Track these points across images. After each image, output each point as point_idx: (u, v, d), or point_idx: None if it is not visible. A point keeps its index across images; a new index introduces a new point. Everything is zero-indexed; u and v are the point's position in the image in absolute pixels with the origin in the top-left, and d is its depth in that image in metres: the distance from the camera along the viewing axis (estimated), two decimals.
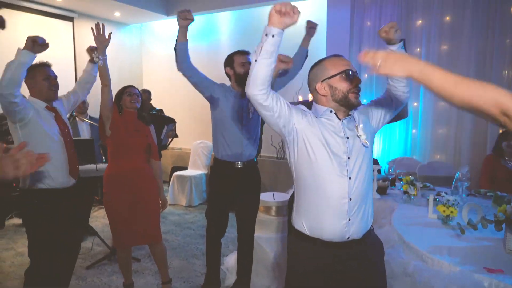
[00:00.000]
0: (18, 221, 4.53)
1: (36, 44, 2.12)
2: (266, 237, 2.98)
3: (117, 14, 5.98)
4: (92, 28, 2.46)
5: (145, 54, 6.91)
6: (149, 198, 2.63)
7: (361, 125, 1.51)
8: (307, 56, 2.75)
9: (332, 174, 1.43)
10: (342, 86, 1.45)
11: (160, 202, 2.74)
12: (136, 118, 2.67)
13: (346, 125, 1.49)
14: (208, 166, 5.66)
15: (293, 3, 1.28)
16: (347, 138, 1.47)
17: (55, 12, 5.54)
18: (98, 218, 4.77)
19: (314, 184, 1.45)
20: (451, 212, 2.04)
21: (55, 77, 2.41)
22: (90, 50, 2.55)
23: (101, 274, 3.26)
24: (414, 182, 2.73)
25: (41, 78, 2.31)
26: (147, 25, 6.80)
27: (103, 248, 3.73)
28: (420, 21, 4.35)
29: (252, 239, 2.79)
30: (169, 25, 6.42)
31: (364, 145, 1.48)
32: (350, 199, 1.43)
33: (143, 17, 6.24)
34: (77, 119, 4.17)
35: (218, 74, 5.33)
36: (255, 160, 2.80)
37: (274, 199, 3.11)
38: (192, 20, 2.43)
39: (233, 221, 2.80)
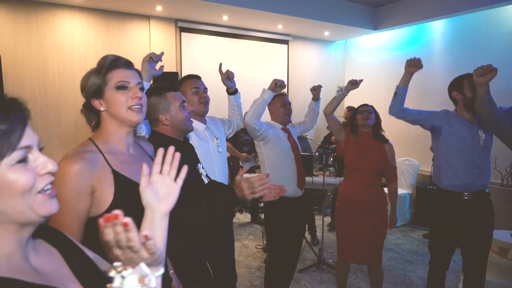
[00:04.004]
0: (241, 217, 5.41)
1: (277, 86, 2.54)
2: (499, 283, 2.57)
3: (326, 33, 6.36)
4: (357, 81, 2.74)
5: (349, 67, 7.08)
6: (377, 220, 2.66)
7: None
8: None
9: None
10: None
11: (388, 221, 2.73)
12: (372, 137, 2.71)
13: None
14: (414, 186, 5.32)
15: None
16: None
17: (273, 37, 6.35)
18: None
19: None
20: None
21: (290, 103, 2.84)
22: (314, 90, 2.94)
23: (312, 280, 3.51)
24: None
25: (279, 105, 2.78)
26: (351, 40, 6.97)
27: (311, 255, 4.02)
28: None
29: (483, 283, 2.45)
30: (374, 38, 6.40)
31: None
32: None
33: (349, 33, 6.42)
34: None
35: (429, 86, 4.97)
36: (487, 191, 2.46)
37: None
38: (421, 67, 2.44)
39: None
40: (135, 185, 1.10)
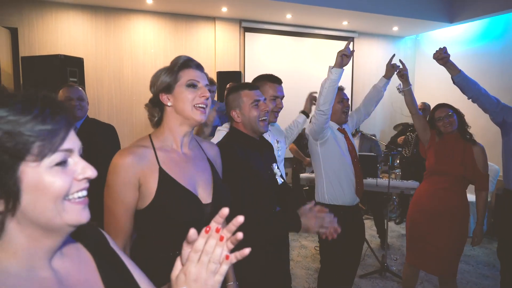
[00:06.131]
0: None
1: (345, 56, 2.18)
2: None
3: (395, 28, 6.03)
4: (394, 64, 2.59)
5: (419, 64, 6.64)
6: (453, 230, 2.43)
7: None
8: None
9: None
10: None
11: (473, 236, 2.48)
12: (458, 138, 2.47)
13: None
14: (493, 193, 4.83)
15: None
16: None
17: (338, 34, 6.17)
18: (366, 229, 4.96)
19: None
20: None
21: (348, 99, 2.60)
22: (391, 67, 2.61)
23: (373, 287, 3.36)
24: None
25: (336, 100, 2.50)
26: (423, 35, 6.53)
27: (374, 261, 3.84)
28: None
29: None
30: (449, 31, 5.92)
31: None
32: None
33: (421, 27, 6.02)
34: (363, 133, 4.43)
35: (510, 83, 4.45)
36: None
37: None
38: (448, 56, 2.41)
39: None
40: (178, 186, 1.14)
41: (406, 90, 2.56)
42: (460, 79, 2.37)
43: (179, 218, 1.13)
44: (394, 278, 3.48)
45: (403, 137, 4.91)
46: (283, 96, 2.11)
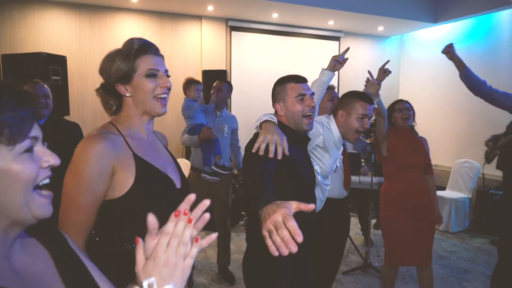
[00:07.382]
0: None
1: (338, 63, 2.27)
2: None
3: (380, 28, 6.10)
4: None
5: (404, 64, 6.72)
6: (425, 217, 2.59)
7: None
8: None
9: None
10: None
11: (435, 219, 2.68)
12: (410, 133, 2.67)
13: None
14: (474, 190, 4.92)
15: None
16: None
17: (324, 34, 6.21)
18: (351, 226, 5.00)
19: None
20: None
21: (338, 97, 2.66)
22: (383, 71, 2.60)
23: (356, 283, 3.40)
24: None
25: (326, 99, 2.62)
26: (408, 35, 6.61)
27: (357, 257, 3.89)
28: None
29: None
30: (433, 31, 6.01)
31: None
32: None
33: (406, 27, 6.10)
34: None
35: (496, 80, 4.58)
36: None
37: None
38: (451, 49, 2.44)
39: None
40: (156, 171, 1.09)
41: (377, 101, 2.58)
42: (465, 74, 2.44)
43: (159, 204, 1.04)
44: (377, 274, 3.53)
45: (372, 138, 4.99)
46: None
